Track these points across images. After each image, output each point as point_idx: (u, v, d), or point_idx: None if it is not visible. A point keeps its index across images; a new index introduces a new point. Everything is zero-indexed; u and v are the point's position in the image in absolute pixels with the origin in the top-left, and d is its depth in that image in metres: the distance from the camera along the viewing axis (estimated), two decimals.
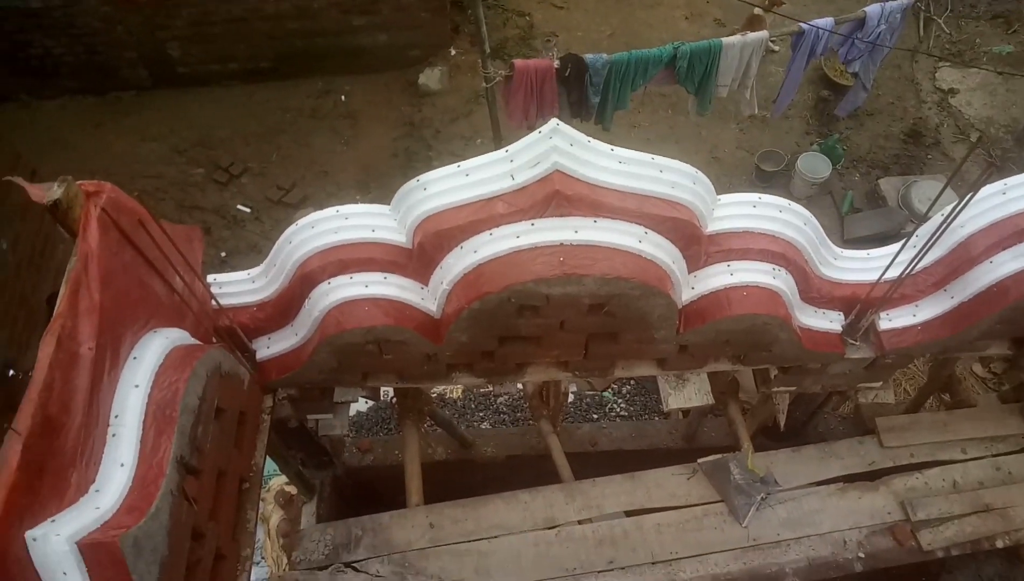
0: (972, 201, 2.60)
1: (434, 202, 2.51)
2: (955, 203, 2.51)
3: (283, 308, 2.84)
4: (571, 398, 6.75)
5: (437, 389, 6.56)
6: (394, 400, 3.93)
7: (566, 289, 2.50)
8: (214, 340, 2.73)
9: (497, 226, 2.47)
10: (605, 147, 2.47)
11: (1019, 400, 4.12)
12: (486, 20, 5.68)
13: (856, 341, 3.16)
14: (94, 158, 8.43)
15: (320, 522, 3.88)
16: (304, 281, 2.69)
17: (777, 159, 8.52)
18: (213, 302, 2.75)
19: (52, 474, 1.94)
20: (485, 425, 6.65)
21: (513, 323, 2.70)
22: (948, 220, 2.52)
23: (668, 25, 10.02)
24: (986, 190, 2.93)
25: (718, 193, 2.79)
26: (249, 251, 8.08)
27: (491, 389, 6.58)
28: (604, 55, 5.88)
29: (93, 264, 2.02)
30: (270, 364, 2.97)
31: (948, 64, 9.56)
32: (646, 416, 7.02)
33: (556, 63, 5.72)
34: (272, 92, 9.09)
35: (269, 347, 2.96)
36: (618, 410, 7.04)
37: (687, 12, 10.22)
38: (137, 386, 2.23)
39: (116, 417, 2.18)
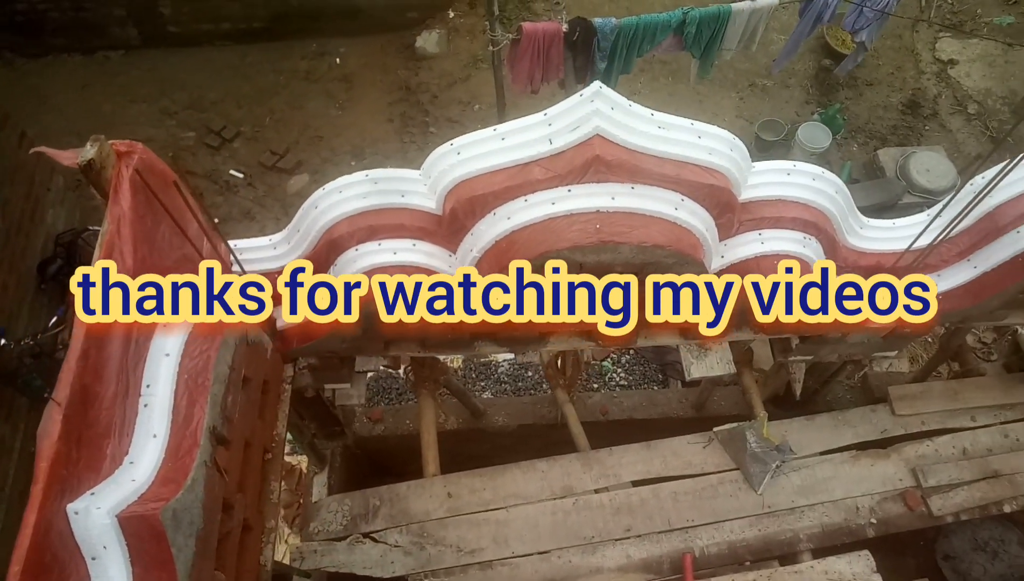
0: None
1: (468, 167, 2.45)
2: (995, 172, 2.49)
3: None
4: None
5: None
6: (408, 369, 3.88)
7: (601, 257, 2.46)
8: None
9: (533, 192, 2.42)
10: (645, 111, 2.42)
11: (1023, 369, 4.18)
12: None
13: None
14: (81, 120, 8.18)
15: (332, 493, 3.86)
16: (331, 247, 2.62)
17: (777, 129, 8.45)
18: (234, 268, 2.68)
19: (89, 445, 1.89)
20: (487, 395, 6.61)
21: None
22: (987, 189, 2.49)
23: None
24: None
25: None
26: (243, 218, 7.90)
27: (499, 358, 6.55)
28: (613, 19, 5.76)
29: (126, 227, 1.95)
30: (291, 332, 2.91)
31: (948, 35, 9.49)
32: (645, 386, 7.02)
33: (565, 27, 5.60)
34: (265, 53, 8.83)
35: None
36: (618, 379, 7.05)
37: None
38: (168, 355, 2.17)
39: (148, 387, 2.12)
